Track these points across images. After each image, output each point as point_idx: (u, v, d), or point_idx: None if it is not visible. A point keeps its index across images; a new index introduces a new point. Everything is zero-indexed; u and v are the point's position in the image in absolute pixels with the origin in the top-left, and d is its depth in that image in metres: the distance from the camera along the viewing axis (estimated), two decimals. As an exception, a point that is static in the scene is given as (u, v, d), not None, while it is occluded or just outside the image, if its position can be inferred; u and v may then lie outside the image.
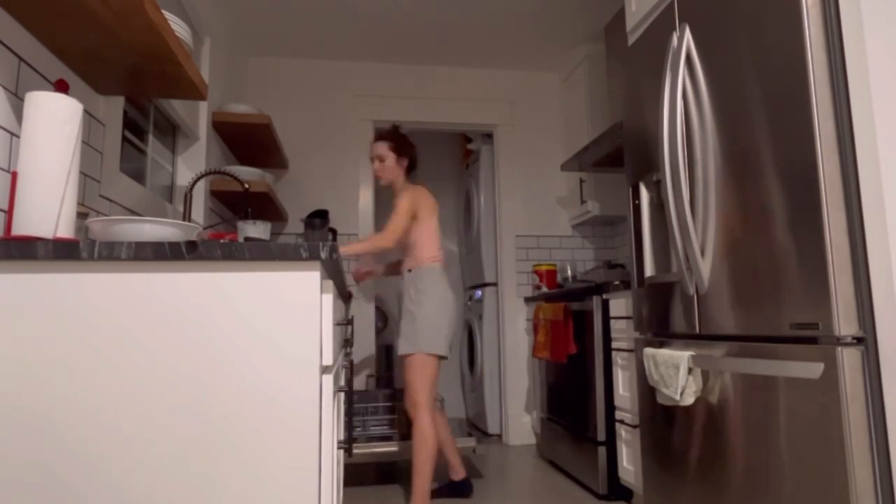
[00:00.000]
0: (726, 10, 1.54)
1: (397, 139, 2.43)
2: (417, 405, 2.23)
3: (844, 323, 1.20)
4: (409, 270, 2.37)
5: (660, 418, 1.83)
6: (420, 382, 2.23)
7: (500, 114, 3.89)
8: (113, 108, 1.71)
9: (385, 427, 2.87)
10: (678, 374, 1.64)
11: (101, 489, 0.93)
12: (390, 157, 2.41)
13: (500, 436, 3.81)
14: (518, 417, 3.62)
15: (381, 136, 2.44)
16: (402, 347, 2.29)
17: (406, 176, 2.47)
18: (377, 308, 4.82)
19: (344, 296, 1.91)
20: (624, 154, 2.10)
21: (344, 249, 2.21)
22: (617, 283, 2.39)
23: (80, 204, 1.51)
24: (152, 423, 0.95)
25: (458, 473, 2.48)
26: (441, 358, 2.29)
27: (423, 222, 2.37)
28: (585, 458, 2.57)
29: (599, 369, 2.47)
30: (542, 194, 3.87)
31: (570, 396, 2.76)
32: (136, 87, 1.55)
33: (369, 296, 2.77)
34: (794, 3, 1.31)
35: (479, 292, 4.00)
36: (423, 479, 2.17)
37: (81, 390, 0.94)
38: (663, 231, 1.93)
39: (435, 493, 2.48)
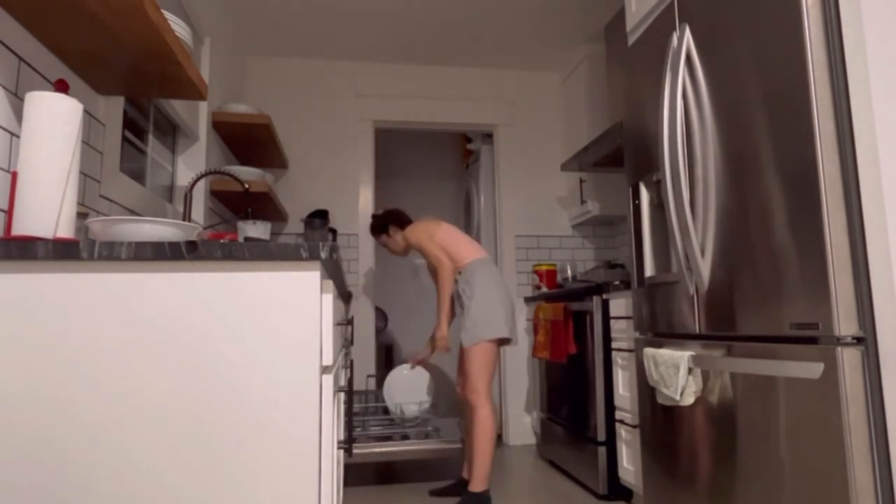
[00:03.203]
0: (726, 10, 1.54)
1: (375, 223, 2.78)
2: (477, 392, 2.36)
3: (844, 323, 1.20)
4: (459, 273, 2.54)
5: (660, 418, 1.83)
6: (478, 370, 2.37)
7: (500, 114, 3.89)
8: (113, 108, 1.71)
9: (385, 427, 2.87)
10: (678, 374, 1.64)
11: (96, 498, 0.93)
12: (385, 238, 2.78)
13: (500, 436, 3.82)
14: (518, 417, 3.62)
15: (370, 229, 2.82)
16: (464, 340, 2.43)
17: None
18: (377, 308, 4.82)
19: (344, 296, 1.91)
20: (624, 154, 2.10)
21: (443, 321, 2.51)
22: (617, 283, 2.39)
23: (80, 204, 1.51)
24: (150, 422, 0.95)
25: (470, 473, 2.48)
26: (501, 342, 2.45)
27: (437, 237, 2.57)
28: (585, 458, 2.57)
29: (599, 369, 2.47)
30: (542, 194, 3.86)
31: (570, 396, 2.76)
32: (136, 87, 1.55)
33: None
34: (794, 3, 1.31)
35: (479, 292, 4.00)
36: (483, 461, 2.31)
37: (81, 390, 0.94)
38: (663, 231, 1.93)
39: (442, 492, 2.48)
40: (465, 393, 2.43)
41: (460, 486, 2.50)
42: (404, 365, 2.94)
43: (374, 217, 2.82)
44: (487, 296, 2.42)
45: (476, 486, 2.31)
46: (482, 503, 2.30)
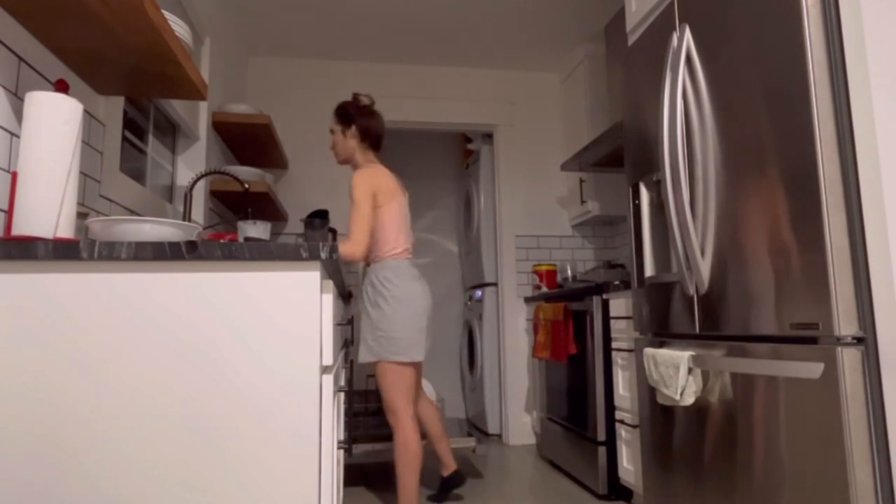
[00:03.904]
0: (726, 10, 1.54)
1: (342, 108, 2.20)
2: (394, 412, 2.08)
3: (844, 323, 1.20)
4: (367, 265, 2.12)
5: (660, 418, 1.83)
6: (393, 391, 2.07)
7: (500, 114, 3.89)
8: (113, 108, 1.71)
9: (385, 427, 2.87)
10: (678, 374, 1.64)
11: (95, 498, 0.93)
12: (337, 130, 2.21)
13: (500, 436, 3.81)
14: (518, 417, 3.62)
15: (335, 108, 2.27)
16: (362, 354, 2.07)
17: (368, 152, 2.23)
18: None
19: (344, 296, 1.91)
20: (624, 154, 2.10)
21: None
22: (617, 283, 2.39)
23: (80, 204, 1.51)
24: (150, 421, 0.95)
25: (448, 468, 2.38)
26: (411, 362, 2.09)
27: (378, 210, 2.08)
28: (585, 458, 2.57)
29: (599, 369, 2.47)
30: (542, 194, 3.87)
31: (570, 396, 2.76)
32: (136, 87, 1.55)
33: None
34: (794, 3, 1.31)
35: (479, 292, 4.00)
36: (407, 488, 2.07)
37: (81, 390, 0.94)
38: (663, 231, 1.93)
39: (434, 499, 2.46)
40: (386, 413, 2.11)
41: (449, 482, 2.39)
42: None
43: (350, 104, 2.21)
44: (396, 312, 2.02)
45: None
46: None
